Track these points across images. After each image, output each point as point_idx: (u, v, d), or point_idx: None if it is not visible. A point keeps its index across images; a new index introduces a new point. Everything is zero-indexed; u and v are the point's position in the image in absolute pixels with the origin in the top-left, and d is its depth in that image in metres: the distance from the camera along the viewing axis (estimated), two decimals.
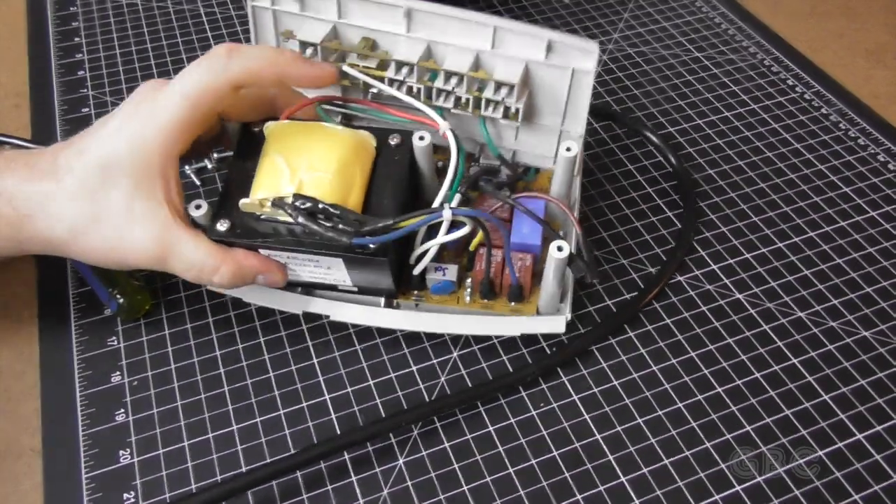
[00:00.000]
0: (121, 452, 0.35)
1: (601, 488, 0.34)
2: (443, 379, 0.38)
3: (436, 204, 0.35)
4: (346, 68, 0.38)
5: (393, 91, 0.38)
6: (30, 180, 0.34)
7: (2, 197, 0.33)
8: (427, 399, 0.37)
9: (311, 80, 0.36)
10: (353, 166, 0.35)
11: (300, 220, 0.33)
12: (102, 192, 0.33)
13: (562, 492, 0.34)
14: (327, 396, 0.37)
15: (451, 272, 0.38)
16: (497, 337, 0.39)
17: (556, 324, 0.38)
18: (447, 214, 0.34)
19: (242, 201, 0.34)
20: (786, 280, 0.43)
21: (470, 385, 0.38)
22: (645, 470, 0.35)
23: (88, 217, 0.33)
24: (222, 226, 0.34)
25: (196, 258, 0.34)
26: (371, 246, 0.33)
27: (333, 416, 0.36)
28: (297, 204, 0.33)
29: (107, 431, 0.36)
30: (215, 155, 0.47)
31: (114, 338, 0.39)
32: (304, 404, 0.37)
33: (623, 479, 0.35)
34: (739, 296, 0.42)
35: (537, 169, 0.42)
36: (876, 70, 0.57)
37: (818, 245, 0.45)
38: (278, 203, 0.33)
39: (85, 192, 0.33)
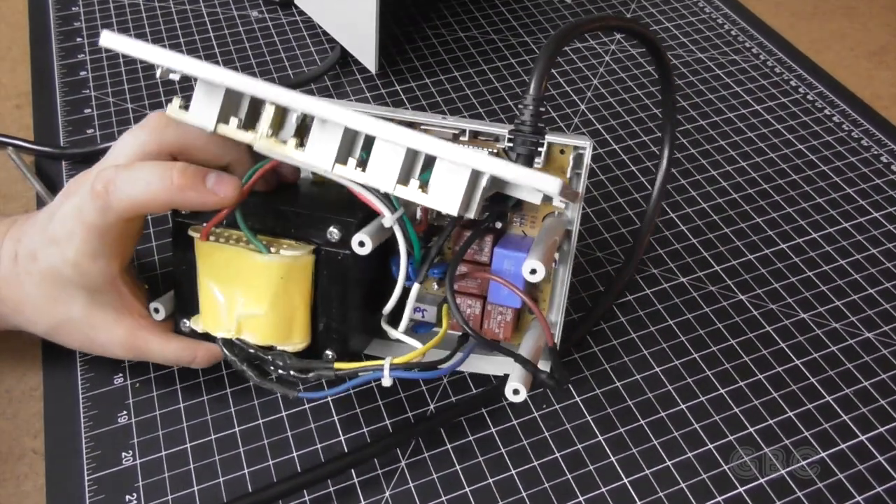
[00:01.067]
0: (123, 454, 0.35)
1: (603, 490, 0.34)
2: (445, 380, 0.38)
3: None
4: (259, 146, 0.31)
5: (323, 171, 0.30)
6: None
7: None
8: (429, 401, 0.37)
9: (209, 207, 0.31)
10: (290, 293, 0.32)
11: (247, 373, 0.33)
12: (63, 306, 0.34)
13: (564, 493, 0.34)
14: (329, 399, 0.37)
15: (431, 314, 0.35)
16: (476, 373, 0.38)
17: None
18: (386, 382, 0.32)
19: (195, 322, 0.34)
20: (789, 281, 0.43)
21: (472, 387, 0.38)
22: (647, 471, 0.35)
23: (55, 326, 0.35)
24: (185, 327, 0.35)
25: (168, 355, 0.35)
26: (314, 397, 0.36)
27: (336, 417, 0.36)
28: (238, 351, 0.33)
29: (109, 433, 0.36)
30: None
31: None
32: (307, 406, 0.37)
33: (625, 480, 0.35)
34: (742, 297, 0.42)
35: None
36: (878, 71, 0.57)
37: (821, 246, 0.45)
38: (224, 345, 0.33)
39: (46, 304, 0.34)
